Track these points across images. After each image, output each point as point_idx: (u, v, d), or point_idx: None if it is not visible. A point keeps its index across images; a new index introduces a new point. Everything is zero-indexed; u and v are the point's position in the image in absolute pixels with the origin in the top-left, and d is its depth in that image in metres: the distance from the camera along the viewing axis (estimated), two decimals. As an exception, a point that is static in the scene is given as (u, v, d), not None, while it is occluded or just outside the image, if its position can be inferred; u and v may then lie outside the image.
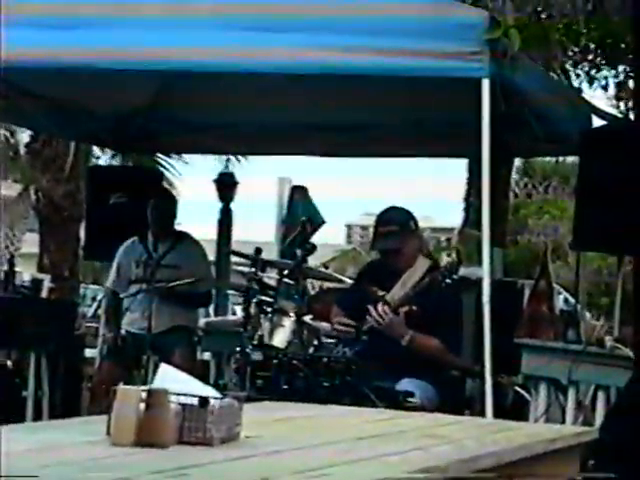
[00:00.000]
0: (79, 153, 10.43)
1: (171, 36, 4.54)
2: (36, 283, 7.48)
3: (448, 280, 4.67)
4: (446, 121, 6.16)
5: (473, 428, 3.28)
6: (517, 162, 13.29)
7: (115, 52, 4.59)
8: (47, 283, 7.89)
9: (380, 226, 4.97)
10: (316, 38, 4.45)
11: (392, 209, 5.03)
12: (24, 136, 14.34)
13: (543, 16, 6.52)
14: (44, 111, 6.34)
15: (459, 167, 10.65)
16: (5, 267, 7.15)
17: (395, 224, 4.90)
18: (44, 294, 7.66)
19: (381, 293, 4.85)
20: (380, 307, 4.72)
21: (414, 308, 4.73)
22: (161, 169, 11.76)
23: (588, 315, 6.91)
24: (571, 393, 5.10)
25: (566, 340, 5.26)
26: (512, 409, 5.73)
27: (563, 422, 5.03)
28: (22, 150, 15.64)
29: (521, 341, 5.32)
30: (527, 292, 5.97)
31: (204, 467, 2.22)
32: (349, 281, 6.23)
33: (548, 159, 15.85)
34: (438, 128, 6.35)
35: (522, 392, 5.86)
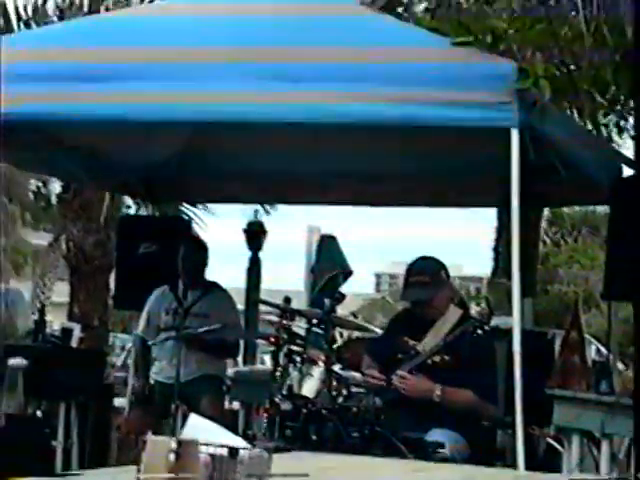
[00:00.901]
0: (110, 203, 10.51)
1: (201, 84, 4.58)
2: (66, 332, 7.51)
3: (480, 329, 4.64)
4: (475, 170, 6.17)
5: (505, 480, 3.23)
6: (546, 211, 13.25)
7: (144, 100, 4.62)
8: (77, 332, 7.92)
9: (411, 276, 4.95)
10: (346, 85, 4.47)
11: (423, 259, 5.01)
12: (56, 186, 14.51)
13: (572, 67, 6.54)
14: (75, 161, 6.40)
15: (489, 215, 10.63)
16: (36, 316, 7.19)
17: (426, 274, 4.88)
18: (74, 343, 7.68)
19: (412, 343, 4.82)
20: (399, 372, 4.67)
21: (446, 357, 4.69)
22: (189, 218, 11.82)
23: (621, 366, 6.83)
24: (605, 445, 5.03)
25: (599, 391, 5.19)
26: (544, 461, 5.66)
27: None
28: (54, 200, 15.80)
29: (553, 392, 5.26)
30: (558, 342, 5.92)
31: (234, 518, 2.19)
32: (378, 330, 6.22)
33: (578, 208, 15.80)
34: (467, 177, 6.36)
35: (554, 444, 5.79)
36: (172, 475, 2.31)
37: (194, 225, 12.30)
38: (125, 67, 4.65)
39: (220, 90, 4.55)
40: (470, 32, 4.82)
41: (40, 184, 17.50)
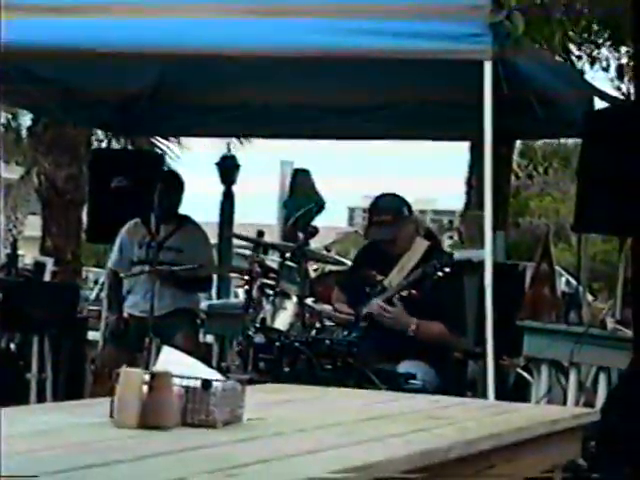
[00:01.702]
0: (81, 136, 10.42)
1: (172, 24, 4.54)
2: (39, 266, 7.50)
3: (446, 266, 4.67)
4: (448, 104, 6.16)
5: (475, 410, 3.30)
6: (518, 144, 13.26)
7: (115, 40, 4.58)
8: (50, 266, 7.91)
9: (373, 215, 4.97)
10: (320, 22, 4.45)
11: (384, 196, 5.02)
12: (26, 119, 14.33)
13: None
14: (47, 95, 6.33)
15: (461, 149, 10.64)
16: (8, 250, 7.17)
17: (388, 213, 4.89)
18: (47, 277, 7.67)
19: (379, 278, 4.86)
20: (376, 301, 4.71)
21: (413, 292, 4.74)
22: (162, 152, 11.76)
23: (590, 297, 6.92)
24: (573, 375, 5.12)
25: (568, 322, 5.27)
26: (514, 391, 5.75)
27: (565, 404, 5.05)
28: (24, 133, 15.62)
29: (523, 323, 5.33)
30: (529, 275, 5.98)
31: (207, 449, 2.23)
32: (350, 264, 6.24)
33: (549, 141, 15.82)
34: (440, 111, 6.35)
35: (524, 374, 5.88)
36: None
37: (167, 159, 12.25)
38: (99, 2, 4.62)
39: (189, 30, 4.51)
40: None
41: (9, 116, 17.27)
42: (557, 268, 5.97)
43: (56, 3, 4.64)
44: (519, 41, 4.53)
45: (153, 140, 11.92)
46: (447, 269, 4.66)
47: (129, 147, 10.04)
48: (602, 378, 5.03)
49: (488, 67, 4.34)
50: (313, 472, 1.99)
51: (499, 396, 4.31)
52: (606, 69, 9.74)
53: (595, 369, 5.28)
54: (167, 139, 12.32)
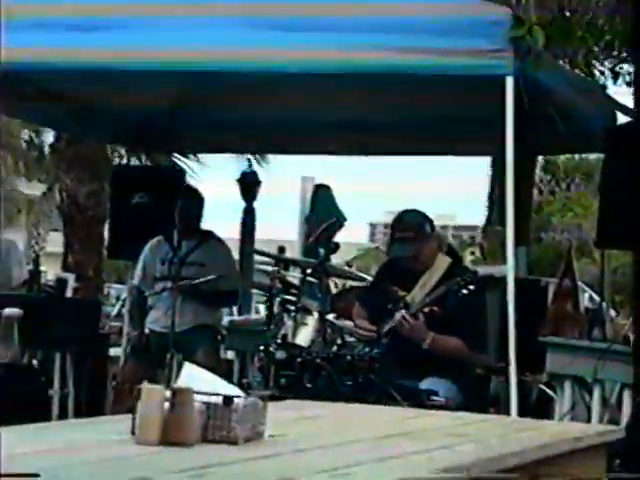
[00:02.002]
0: (102, 153, 10.47)
1: (192, 36, 4.56)
2: (61, 282, 7.52)
3: (470, 280, 4.65)
4: (470, 119, 6.15)
5: (497, 427, 3.27)
6: (540, 159, 13.22)
7: (134, 53, 4.61)
8: (72, 282, 7.94)
9: (396, 232, 4.96)
10: (341, 37, 4.45)
11: (406, 213, 5.00)
12: (49, 136, 14.43)
13: (567, 14, 6.49)
14: (68, 112, 6.37)
15: (483, 165, 10.62)
16: (31, 266, 7.20)
17: (410, 229, 4.88)
18: (69, 293, 7.70)
19: (402, 294, 4.84)
20: (400, 313, 4.70)
21: (435, 309, 4.72)
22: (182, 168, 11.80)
23: (613, 313, 6.87)
24: (597, 391, 5.08)
25: (591, 338, 5.23)
26: (537, 408, 5.71)
27: (589, 421, 5.01)
28: (47, 150, 15.72)
29: (546, 339, 5.29)
30: (551, 290, 5.95)
31: (228, 466, 2.22)
32: (372, 280, 6.22)
33: (571, 156, 15.78)
34: (462, 127, 6.33)
35: (547, 390, 5.84)
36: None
37: (187, 176, 12.28)
38: (113, 20, 4.63)
39: (214, 44, 4.53)
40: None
41: (33, 134, 17.39)
42: (580, 284, 5.93)
43: (75, 22, 4.67)
44: (540, 56, 4.52)
45: (173, 157, 11.97)
46: (471, 287, 4.63)
47: (149, 164, 10.09)
48: (626, 395, 4.99)
49: (510, 82, 4.33)
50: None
51: (522, 413, 4.28)
52: (629, 84, 9.70)
53: (619, 385, 5.23)
54: (186, 156, 12.37)
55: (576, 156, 15.17)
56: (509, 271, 4.41)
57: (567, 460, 2.92)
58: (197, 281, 5.72)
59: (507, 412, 4.36)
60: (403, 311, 4.70)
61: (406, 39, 4.41)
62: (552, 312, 5.63)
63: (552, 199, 21.30)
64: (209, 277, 5.72)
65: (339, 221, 9.51)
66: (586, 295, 9.99)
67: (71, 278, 8.18)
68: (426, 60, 4.41)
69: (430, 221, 4.97)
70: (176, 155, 11.68)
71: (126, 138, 7.34)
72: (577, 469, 3.03)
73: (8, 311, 6.00)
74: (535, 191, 13.27)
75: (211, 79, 5.72)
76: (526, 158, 7.98)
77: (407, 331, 4.68)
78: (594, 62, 8.96)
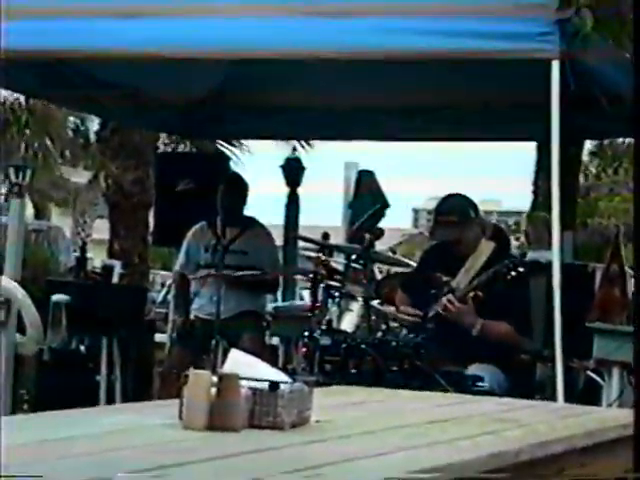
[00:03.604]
0: (147, 140, 10.54)
1: (236, 24, 4.56)
2: (107, 269, 7.60)
3: (515, 266, 4.62)
4: (513, 104, 6.09)
5: (544, 413, 3.25)
6: (587, 143, 13.08)
7: (179, 43, 4.62)
8: (118, 269, 8.01)
9: (439, 216, 4.93)
10: (384, 22, 4.43)
11: (450, 197, 4.98)
12: (94, 124, 14.55)
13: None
14: (113, 100, 6.41)
15: (527, 149, 10.53)
16: (77, 253, 7.27)
17: (454, 214, 4.85)
18: (115, 280, 7.77)
19: (446, 279, 4.82)
20: (447, 297, 4.68)
21: (480, 294, 4.69)
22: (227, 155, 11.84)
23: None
24: (645, 377, 5.02)
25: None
26: (584, 394, 5.66)
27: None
28: (92, 138, 15.85)
29: (593, 325, 5.25)
30: (598, 276, 5.88)
31: (277, 450, 2.23)
32: (416, 265, 6.20)
33: (619, 140, 15.59)
34: (506, 111, 6.28)
35: (594, 377, 5.79)
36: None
37: (231, 163, 12.33)
38: (157, 7, 4.65)
39: (253, 31, 4.52)
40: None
41: (78, 122, 17.55)
42: (627, 269, 5.86)
43: (120, 5, 4.68)
44: (587, 38, 4.47)
45: (217, 143, 12.02)
46: (518, 270, 4.60)
47: (193, 150, 10.12)
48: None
49: (556, 66, 4.28)
50: (386, 474, 1.98)
51: (569, 399, 4.25)
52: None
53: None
54: (231, 142, 12.41)
55: (625, 140, 14.97)
56: (555, 256, 4.38)
57: (615, 447, 2.89)
58: (240, 273, 5.74)
59: (554, 399, 4.32)
60: (450, 295, 4.68)
61: (448, 22, 4.38)
62: (599, 298, 5.58)
63: (599, 183, 21.07)
64: (251, 272, 5.73)
65: (383, 206, 9.49)
66: (633, 280, 9.86)
67: (117, 265, 8.25)
68: (470, 41, 4.37)
69: (474, 205, 4.94)
70: (220, 142, 11.73)
71: (172, 125, 7.37)
72: (623, 457, 3.00)
73: (56, 297, 6.08)
74: (581, 176, 13.13)
75: (254, 65, 5.73)
76: (572, 143, 7.90)
77: (455, 316, 4.66)
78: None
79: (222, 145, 12.25)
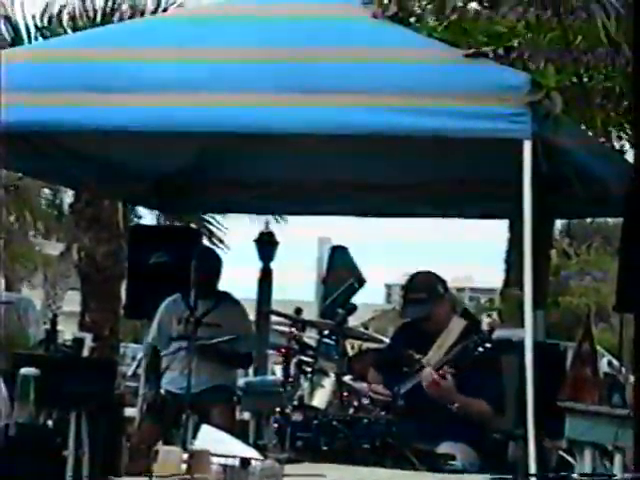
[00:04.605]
0: (121, 213, 10.55)
1: (214, 86, 4.60)
2: (78, 342, 7.52)
3: (487, 342, 4.63)
4: (488, 181, 6.16)
5: (517, 493, 3.22)
6: (558, 222, 13.22)
7: (155, 102, 4.64)
8: (88, 342, 7.93)
9: (408, 293, 4.96)
10: (359, 99, 4.48)
11: (418, 274, 5.01)
12: (68, 195, 14.55)
13: (585, 79, 6.53)
14: (87, 171, 6.42)
15: (500, 227, 10.62)
16: (48, 326, 7.21)
17: (423, 291, 4.88)
18: (85, 353, 7.69)
19: (417, 356, 4.82)
20: (428, 372, 4.66)
21: (452, 371, 4.68)
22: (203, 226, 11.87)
23: (633, 378, 6.79)
24: (617, 459, 5.00)
25: (611, 404, 5.17)
26: (556, 474, 5.63)
27: (609, 488, 4.93)
28: (66, 210, 15.84)
29: (565, 404, 5.24)
30: (570, 354, 5.90)
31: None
32: (388, 343, 6.20)
33: (589, 220, 15.77)
34: (480, 188, 6.35)
35: (566, 457, 5.77)
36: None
37: (209, 233, 12.34)
38: (134, 67, 4.68)
39: (232, 94, 4.56)
40: (475, 40, 4.83)
41: (52, 193, 17.54)
42: (599, 349, 5.89)
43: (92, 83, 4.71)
44: (558, 120, 4.55)
45: (190, 217, 12.04)
46: (488, 345, 4.61)
47: (167, 223, 10.13)
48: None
49: (527, 146, 4.35)
50: None
51: (541, 479, 4.22)
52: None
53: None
54: (202, 217, 12.44)
55: (595, 219, 15.15)
56: (527, 335, 4.39)
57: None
58: (214, 341, 5.71)
59: (526, 478, 4.30)
60: (430, 369, 4.67)
61: (422, 101, 4.44)
62: (571, 377, 5.58)
63: (570, 262, 21.24)
64: (226, 337, 5.71)
65: (358, 282, 9.49)
66: (604, 360, 9.90)
67: (88, 338, 8.17)
68: (443, 121, 4.43)
69: (442, 282, 4.97)
70: (195, 215, 11.75)
71: (143, 197, 7.38)
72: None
73: (25, 370, 6.00)
74: (553, 253, 13.23)
75: (230, 140, 5.78)
76: (543, 221, 7.97)
77: (436, 392, 4.64)
78: (611, 128, 8.98)
79: (198, 218, 12.28)
